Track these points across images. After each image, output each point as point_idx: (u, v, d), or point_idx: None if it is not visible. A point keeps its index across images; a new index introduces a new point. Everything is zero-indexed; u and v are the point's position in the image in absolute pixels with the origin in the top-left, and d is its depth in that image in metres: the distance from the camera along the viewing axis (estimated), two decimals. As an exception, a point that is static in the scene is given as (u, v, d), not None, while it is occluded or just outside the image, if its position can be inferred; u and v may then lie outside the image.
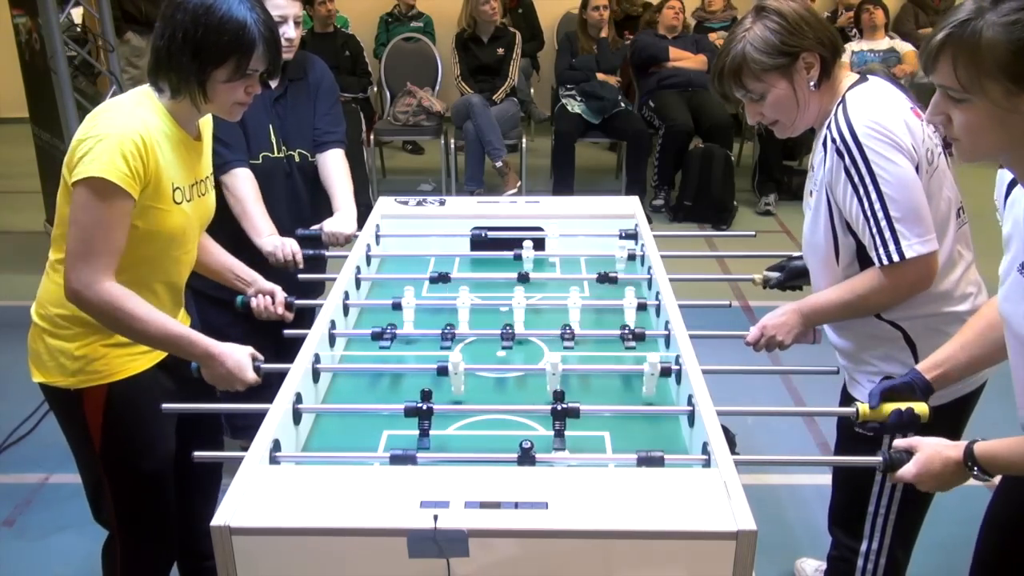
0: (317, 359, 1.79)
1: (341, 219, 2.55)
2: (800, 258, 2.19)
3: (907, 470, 1.49)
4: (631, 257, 2.41)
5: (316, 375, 1.79)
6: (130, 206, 1.70)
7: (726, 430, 1.52)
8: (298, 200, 2.60)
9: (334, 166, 2.63)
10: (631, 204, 2.72)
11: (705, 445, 1.49)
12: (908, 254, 1.72)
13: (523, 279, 2.30)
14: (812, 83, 1.79)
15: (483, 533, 1.24)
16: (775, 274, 2.24)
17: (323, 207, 2.62)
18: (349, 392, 1.87)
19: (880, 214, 1.72)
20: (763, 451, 2.79)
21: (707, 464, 1.47)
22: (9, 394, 3.17)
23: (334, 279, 2.17)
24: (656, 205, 5.89)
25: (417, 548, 1.24)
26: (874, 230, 1.73)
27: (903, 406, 1.61)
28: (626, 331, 2.00)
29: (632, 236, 2.54)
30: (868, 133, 1.71)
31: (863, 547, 2.02)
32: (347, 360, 2.00)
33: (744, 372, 2.00)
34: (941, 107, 1.30)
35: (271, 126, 2.53)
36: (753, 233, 2.77)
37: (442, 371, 1.77)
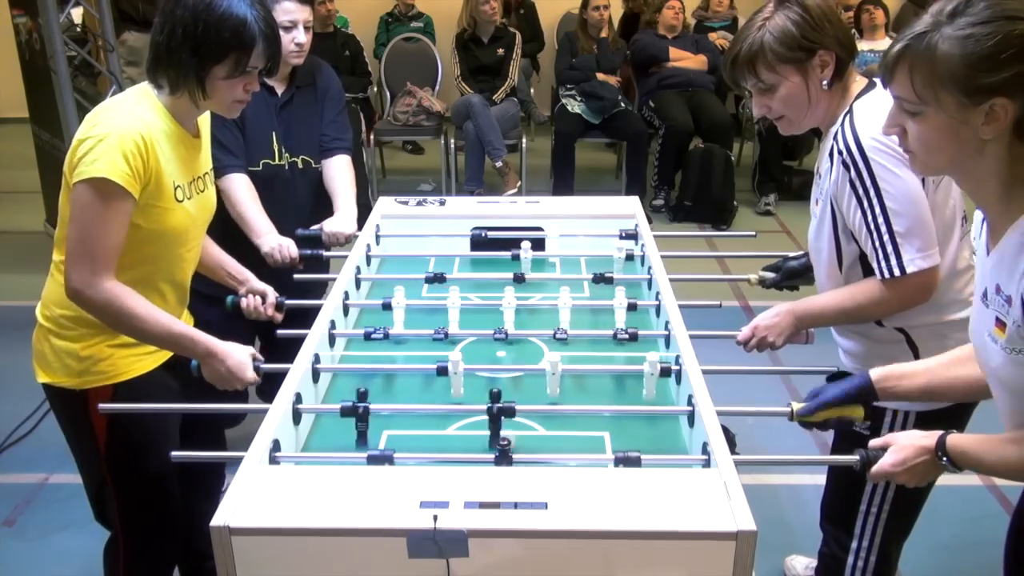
0: (317, 359, 1.79)
1: (341, 219, 2.55)
2: (796, 258, 2.19)
3: (883, 463, 1.49)
4: (629, 257, 2.40)
5: (316, 375, 1.79)
6: (131, 205, 1.70)
7: (726, 430, 1.52)
8: (300, 207, 2.59)
9: (339, 170, 2.63)
10: (631, 204, 2.72)
11: (705, 445, 1.49)
12: (909, 269, 1.72)
13: (519, 280, 2.29)
14: (825, 82, 1.77)
15: (483, 533, 1.24)
16: (771, 274, 2.24)
17: (325, 213, 2.61)
18: (349, 392, 1.86)
19: (884, 228, 1.72)
20: (763, 451, 2.79)
21: (707, 464, 1.47)
22: (9, 394, 3.17)
23: (334, 279, 2.17)
24: (656, 205, 5.89)
25: (417, 548, 1.24)
26: (877, 243, 1.74)
27: (836, 415, 1.63)
28: (619, 331, 1.98)
29: (632, 236, 2.54)
30: (874, 147, 1.70)
31: (854, 544, 2.03)
32: (347, 360, 2.00)
33: (744, 372, 2.00)
34: (897, 119, 1.34)
35: (274, 133, 2.52)
36: (754, 233, 2.76)
37: (442, 371, 1.77)
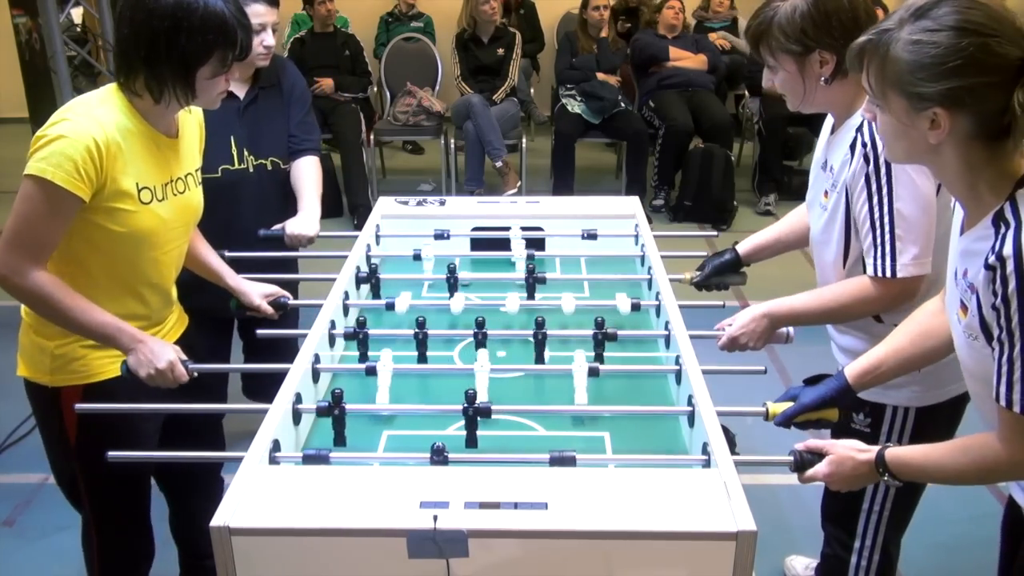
0: (317, 359, 1.79)
1: (304, 220, 2.50)
2: (720, 254, 2.22)
3: (818, 470, 1.50)
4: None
5: (316, 375, 1.79)
6: (73, 206, 1.68)
7: (726, 430, 1.52)
8: (268, 209, 2.55)
9: (306, 170, 2.61)
10: (631, 204, 2.72)
11: (705, 445, 1.49)
12: (901, 274, 1.73)
13: (538, 280, 2.25)
14: (823, 79, 1.76)
15: (483, 533, 1.24)
16: (698, 273, 2.24)
17: (293, 213, 2.59)
18: (348, 392, 1.86)
19: (887, 227, 1.72)
20: (763, 451, 2.79)
21: (707, 464, 1.47)
22: (9, 394, 3.15)
23: (334, 279, 2.17)
24: (656, 205, 5.89)
25: (417, 548, 1.24)
26: (878, 240, 1.74)
27: (813, 417, 1.64)
28: (598, 333, 1.92)
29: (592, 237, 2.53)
30: None
31: (856, 544, 2.03)
32: (347, 360, 2.00)
33: (744, 372, 1.99)
34: (869, 106, 1.36)
35: (232, 137, 2.47)
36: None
37: (370, 371, 1.76)
